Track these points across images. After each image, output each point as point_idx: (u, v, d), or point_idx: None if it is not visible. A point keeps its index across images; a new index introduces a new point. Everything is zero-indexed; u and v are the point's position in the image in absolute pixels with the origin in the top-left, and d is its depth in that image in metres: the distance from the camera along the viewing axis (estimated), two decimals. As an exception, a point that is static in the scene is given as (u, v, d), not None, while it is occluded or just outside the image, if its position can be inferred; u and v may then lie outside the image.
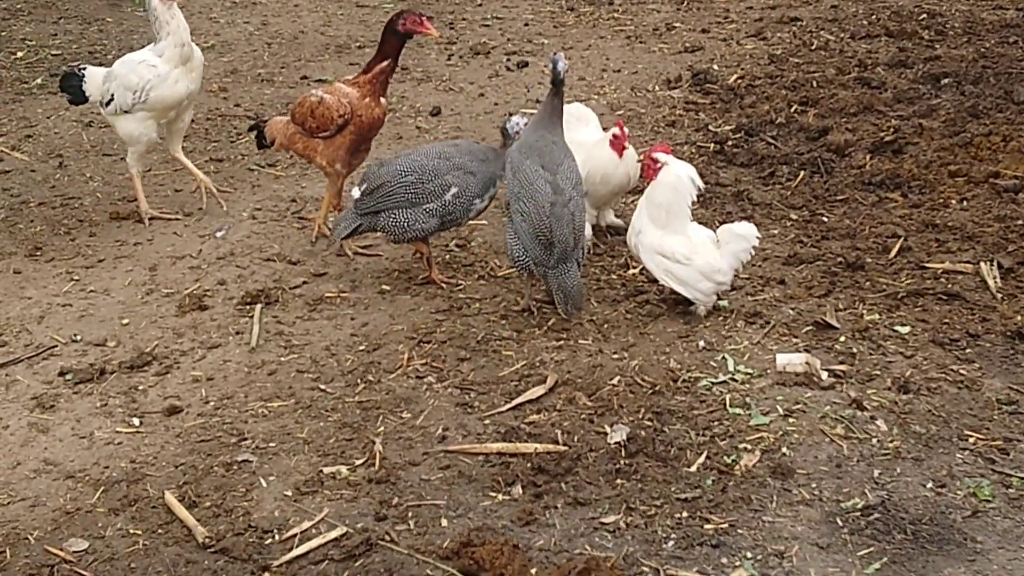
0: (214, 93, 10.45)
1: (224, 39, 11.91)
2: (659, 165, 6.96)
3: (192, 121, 8.77)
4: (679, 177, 6.94)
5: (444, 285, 7.45)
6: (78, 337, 7.08)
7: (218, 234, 8.00)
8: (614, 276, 7.51)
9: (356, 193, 7.31)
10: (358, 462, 5.94)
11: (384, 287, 7.43)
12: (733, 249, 6.91)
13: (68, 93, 8.41)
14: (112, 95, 8.02)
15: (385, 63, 7.65)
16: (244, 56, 11.38)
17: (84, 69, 8.32)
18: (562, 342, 6.86)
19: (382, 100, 7.68)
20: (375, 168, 7.30)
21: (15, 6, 13.10)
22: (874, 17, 11.91)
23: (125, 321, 7.23)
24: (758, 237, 6.95)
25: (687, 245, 6.93)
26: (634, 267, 7.54)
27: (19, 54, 11.65)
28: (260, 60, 11.27)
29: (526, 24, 12.09)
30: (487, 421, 6.22)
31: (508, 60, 11.09)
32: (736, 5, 12.48)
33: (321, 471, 5.87)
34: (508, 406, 6.32)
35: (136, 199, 8.43)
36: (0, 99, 10.59)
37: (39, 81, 10.97)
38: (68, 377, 6.68)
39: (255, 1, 13.07)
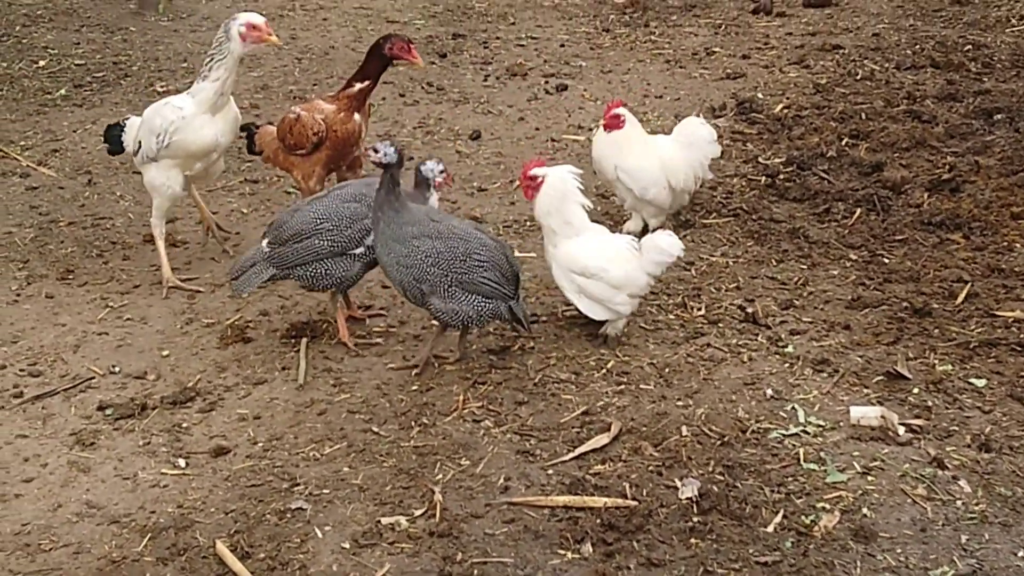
0: (245, 110, 10.14)
1: (253, 54, 11.59)
2: (539, 181, 6.89)
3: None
4: (560, 179, 6.89)
5: (352, 347, 7.05)
6: (117, 369, 6.80)
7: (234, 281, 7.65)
8: (671, 316, 7.24)
9: (264, 245, 6.90)
10: (417, 512, 5.66)
11: (433, 322, 7.11)
12: (654, 259, 6.84)
13: (108, 143, 8.08)
14: (140, 142, 7.53)
15: (365, 84, 7.60)
16: (274, 71, 11.10)
17: (127, 120, 7.95)
18: (623, 386, 6.60)
19: (355, 116, 7.57)
20: (286, 216, 6.87)
21: (35, 12, 12.83)
22: (918, 47, 11.65)
23: (165, 352, 6.95)
24: (683, 250, 6.92)
25: (601, 255, 6.85)
26: (694, 306, 7.24)
27: (41, 63, 11.38)
28: (291, 76, 11.00)
29: (562, 45, 11.82)
30: (550, 471, 5.94)
31: (547, 83, 10.79)
32: (775, 31, 12.22)
33: (379, 521, 5.59)
34: (571, 455, 6.05)
35: (159, 264, 7.80)
36: (23, 110, 10.28)
37: (63, 92, 10.69)
38: (108, 412, 6.41)
39: (283, 14, 12.79)
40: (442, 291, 6.50)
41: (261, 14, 7.25)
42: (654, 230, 7.73)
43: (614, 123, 7.95)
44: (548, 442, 6.15)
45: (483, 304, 6.56)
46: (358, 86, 7.56)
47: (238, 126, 7.66)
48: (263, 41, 7.19)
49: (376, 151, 6.40)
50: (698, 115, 8.37)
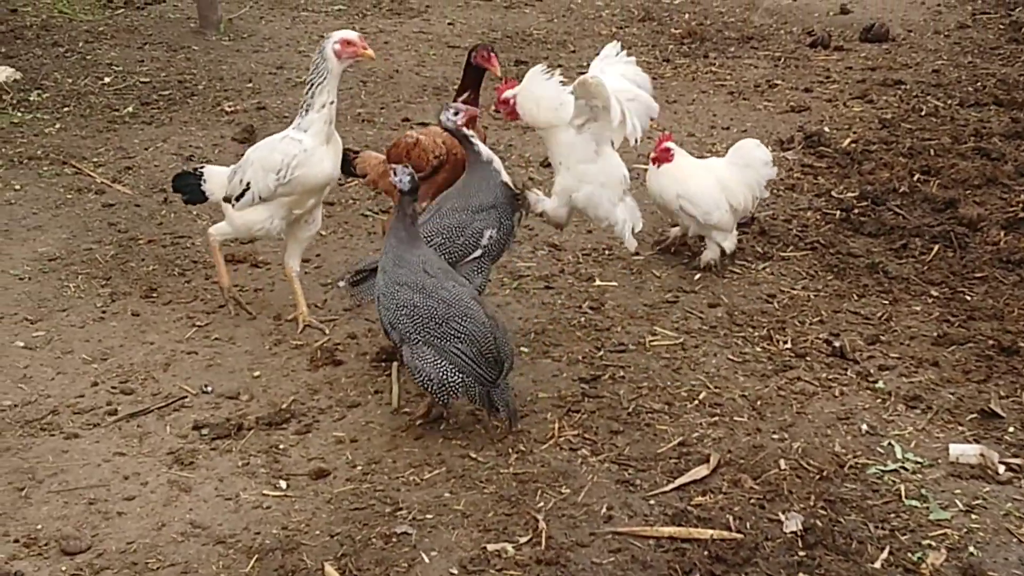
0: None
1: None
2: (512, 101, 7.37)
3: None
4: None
5: None
6: (209, 388, 6.82)
7: (340, 283, 7.69)
8: (758, 348, 7.25)
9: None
10: (523, 540, 5.67)
11: (523, 349, 7.13)
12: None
13: (183, 193, 7.71)
14: (248, 180, 7.20)
15: (465, 95, 7.65)
16: (340, 94, 10.97)
17: (202, 168, 7.62)
18: (717, 418, 6.61)
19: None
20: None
21: (97, 29, 12.88)
22: (979, 84, 11.66)
23: (256, 373, 6.97)
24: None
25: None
26: (779, 339, 7.24)
27: (106, 79, 11.42)
28: (358, 99, 11.02)
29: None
30: (652, 501, 5.96)
31: (612, 111, 10.78)
32: (835, 64, 12.24)
33: (485, 548, 5.61)
34: (672, 486, 6.06)
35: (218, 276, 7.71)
36: (92, 127, 10.31)
37: (130, 109, 10.73)
38: (204, 432, 6.43)
39: (344, 37, 12.79)
40: (411, 345, 6.20)
41: (321, 36, 7.23)
42: (732, 252, 7.91)
43: (665, 157, 8.13)
44: (647, 472, 6.16)
45: (451, 375, 6.14)
46: (460, 100, 7.56)
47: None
48: (359, 56, 6.96)
49: (394, 174, 6.31)
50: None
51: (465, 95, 7.69)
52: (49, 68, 11.71)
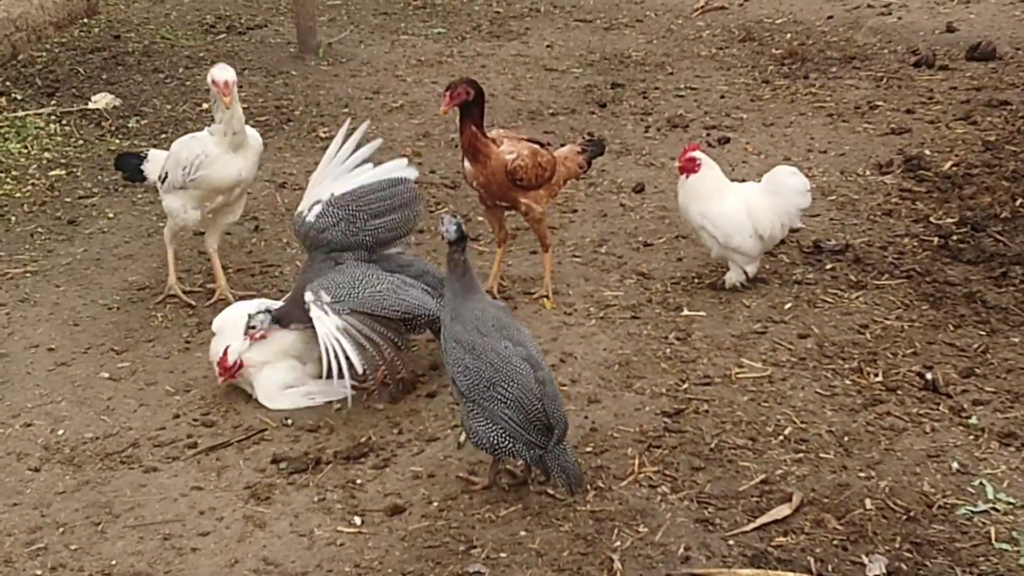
0: (407, 157, 10.12)
1: (412, 99, 11.65)
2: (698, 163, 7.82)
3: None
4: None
5: None
6: (289, 421, 6.80)
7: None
8: (848, 382, 7.08)
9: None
10: (597, 581, 5.53)
11: (602, 379, 7.02)
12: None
13: (124, 171, 8.60)
14: (167, 170, 7.91)
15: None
16: (435, 119, 11.09)
17: (148, 152, 8.52)
18: (802, 454, 6.45)
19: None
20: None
21: (197, 55, 12.98)
22: (1089, 104, 11.33)
23: (337, 406, 6.91)
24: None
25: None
26: (870, 371, 7.07)
27: (204, 106, 11.48)
28: (451, 124, 10.96)
29: (722, 96, 11.69)
30: (731, 541, 5.82)
31: (708, 135, 10.67)
32: (939, 84, 11.97)
33: (558, 589, 5.47)
34: (752, 526, 5.92)
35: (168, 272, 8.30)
36: (191, 154, 10.31)
37: (228, 136, 10.69)
38: (282, 466, 6.40)
39: (441, 61, 12.80)
40: (465, 403, 6.02)
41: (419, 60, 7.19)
42: (754, 278, 7.87)
43: (690, 167, 7.89)
44: (727, 511, 6.03)
45: (503, 440, 5.93)
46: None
47: (258, 158, 8.06)
48: (222, 97, 7.54)
49: (441, 223, 6.18)
50: (798, 170, 8.34)
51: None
52: (149, 94, 11.81)
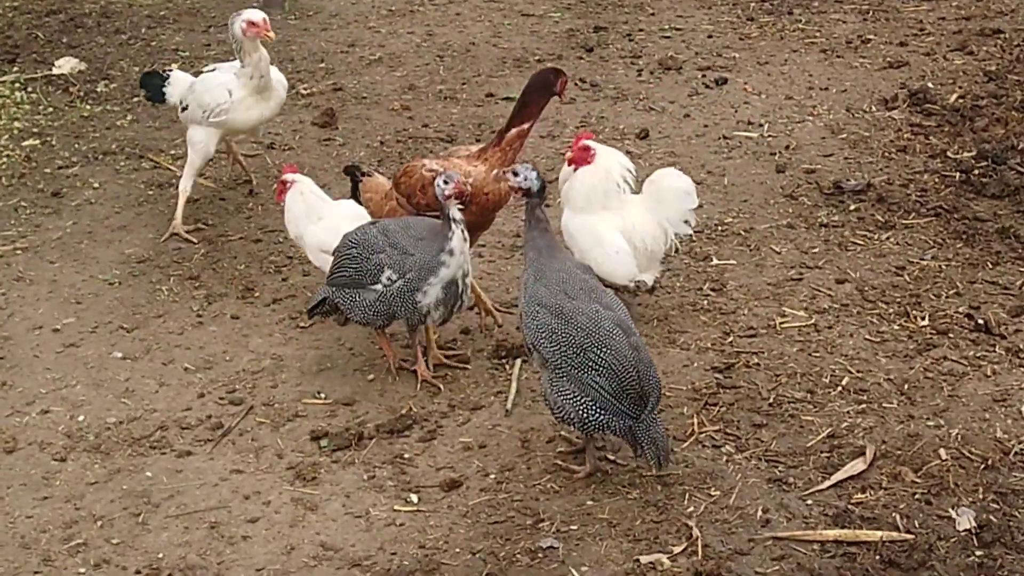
0: (397, 112, 9.80)
1: (390, 51, 11.24)
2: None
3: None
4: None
5: (431, 382, 6.57)
6: (322, 395, 6.42)
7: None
8: (896, 326, 6.84)
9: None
10: (677, 549, 5.34)
11: (646, 336, 6.71)
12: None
13: (146, 91, 8.64)
14: (187, 104, 8.07)
15: (526, 126, 6.60)
16: (418, 71, 10.70)
17: (170, 71, 8.55)
18: (864, 405, 6.23)
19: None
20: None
21: (158, 13, 12.47)
22: (1083, 26, 11.11)
23: (370, 377, 6.62)
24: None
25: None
26: (916, 315, 6.82)
27: (173, 66, 10.93)
28: (436, 75, 10.60)
29: (709, 36, 11.37)
30: (809, 501, 5.59)
31: (703, 76, 10.36)
32: (927, 15, 11.71)
33: (638, 560, 5.29)
34: (828, 483, 5.69)
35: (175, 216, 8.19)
36: (166, 116, 9.90)
37: (202, 97, 10.25)
38: (324, 443, 6.06)
39: (413, 9, 12.36)
40: (549, 373, 5.63)
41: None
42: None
43: (583, 158, 6.70)
44: (798, 469, 5.79)
45: (591, 412, 5.55)
46: (516, 130, 6.58)
47: (282, 99, 8.24)
48: (263, 37, 7.72)
49: (516, 174, 5.84)
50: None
51: (526, 125, 6.62)
52: (114, 56, 11.33)
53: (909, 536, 5.33)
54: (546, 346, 5.55)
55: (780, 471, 5.77)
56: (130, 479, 5.90)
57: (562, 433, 6.00)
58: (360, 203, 7.08)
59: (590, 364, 5.47)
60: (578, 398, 5.52)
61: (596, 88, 10.15)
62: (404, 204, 6.58)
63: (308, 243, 6.96)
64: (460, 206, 6.23)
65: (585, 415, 5.53)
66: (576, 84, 10.13)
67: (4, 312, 7.31)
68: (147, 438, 6.19)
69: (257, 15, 7.70)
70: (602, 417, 5.52)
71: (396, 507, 5.66)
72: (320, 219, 6.95)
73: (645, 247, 6.69)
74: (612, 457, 5.90)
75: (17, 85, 10.62)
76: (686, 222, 6.79)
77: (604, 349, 5.47)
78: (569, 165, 6.76)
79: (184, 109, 8.11)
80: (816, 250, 7.63)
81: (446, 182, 6.10)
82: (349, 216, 6.86)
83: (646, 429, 5.55)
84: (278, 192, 7.15)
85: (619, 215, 6.70)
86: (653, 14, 11.95)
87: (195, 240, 8.00)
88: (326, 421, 6.25)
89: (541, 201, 5.75)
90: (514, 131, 6.53)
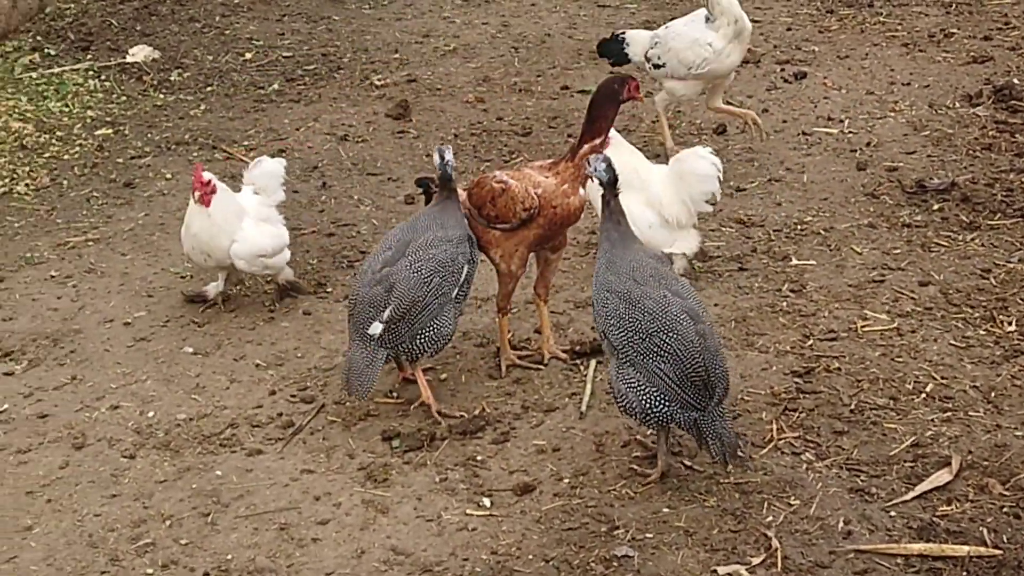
0: (471, 104, 9.71)
1: (465, 42, 11.15)
2: None
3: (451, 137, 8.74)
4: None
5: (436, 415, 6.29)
6: (395, 394, 6.33)
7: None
8: (982, 331, 6.66)
9: (377, 329, 6.15)
10: (755, 560, 5.21)
11: (723, 338, 6.58)
12: None
13: (608, 56, 9.17)
14: (664, 62, 8.56)
15: (599, 140, 6.33)
16: (493, 62, 10.59)
17: (623, 34, 9.01)
18: (949, 413, 6.06)
19: (581, 190, 6.38)
20: (383, 287, 6.11)
21: (232, 2, 12.44)
22: None
23: (443, 376, 6.49)
24: None
25: None
26: (1003, 319, 6.64)
27: (247, 55, 10.99)
28: (511, 67, 10.49)
29: (788, 29, 11.19)
30: (892, 513, 5.43)
31: (782, 70, 10.18)
32: (1011, 8, 11.48)
33: (715, 571, 5.13)
34: (912, 494, 5.53)
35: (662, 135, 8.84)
36: (239, 107, 9.88)
37: (276, 87, 10.30)
38: (395, 444, 5.96)
39: (488, 0, 12.25)
40: (619, 361, 5.57)
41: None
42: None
43: None
44: (881, 478, 5.63)
45: (655, 403, 5.45)
46: (589, 145, 6.31)
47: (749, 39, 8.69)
48: None
49: (588, 164, 5.78)
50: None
51: (599, 140, 6.34)
52: (188, 45, 11.31)
53: (997, 552, 5.17)
54: (614, 332, 5.49)
55: (862, 481, 5.62)
56: (199, 478, 5.82)
57: (637, 437, 5.87)
58: None
59: (655, 350, 5.39)
60: (643, 387, 5.44)
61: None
62: (475, 215, 6.43)
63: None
64: (526, 215, 6.27)
65: (648, 405, 5.44)
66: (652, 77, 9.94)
67: (76, 304, 7.25)
68: (217, 435, 6.11)
69: None
70: (665, 408, 5.43)
71: (468, 511, 5.56)
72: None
73: (674, 220, 7.05)
74: (689, 463, 5.75)
75: (91, 73, 10.63)
76: (708, 202, 7.11)
77: (670, 334, 5.38)
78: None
79: (658, 67, 8.61)
80: (898, 251, 7.46)
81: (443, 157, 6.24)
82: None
83: (711, 423, 5.43)
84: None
85: (643, 192, 7.02)
86: (728, 6, 11.70)
87: None
88: (398, 421, 6.16)
89: (614, 192, 5.65)
90: (587, 147, 6.31)
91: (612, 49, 9.04)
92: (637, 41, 8.87)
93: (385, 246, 6.20)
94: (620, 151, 6.86)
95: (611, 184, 5.67)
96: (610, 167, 5.69)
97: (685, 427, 5.49)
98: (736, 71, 9.07)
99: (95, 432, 6.17)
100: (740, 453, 5.63)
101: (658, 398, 5.42)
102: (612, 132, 6.60)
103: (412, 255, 6.07)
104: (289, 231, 7.48)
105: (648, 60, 8.69)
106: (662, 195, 7.05)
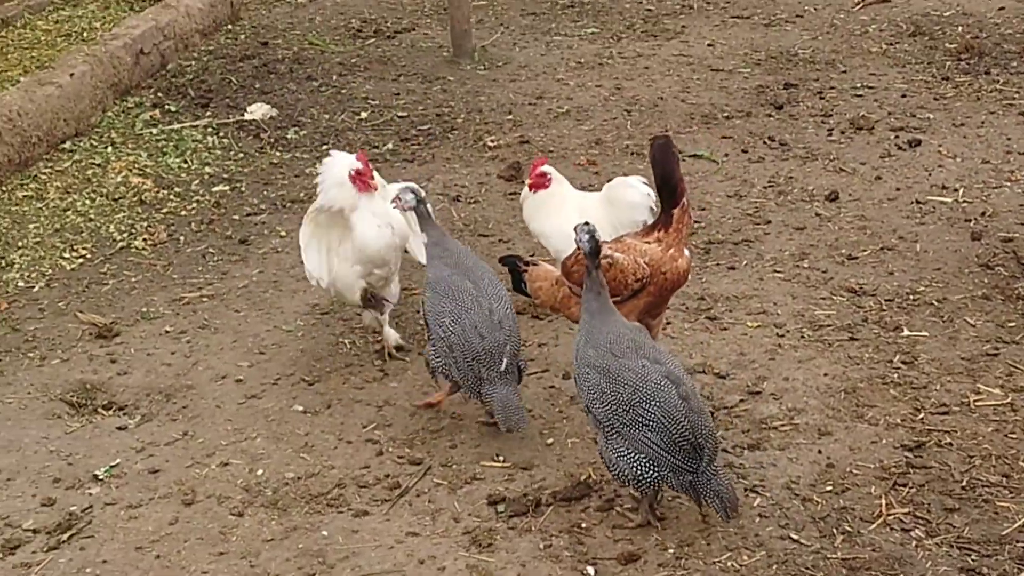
0: (583, 167, 9.74)
1: (578, 104, 11.21)
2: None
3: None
4: None
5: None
6: (501, 458, 6.34)
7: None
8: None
9: (504, 363, 6.32)
10: (862, 641, 5.05)
11: (830, 408, 6.53)
12: None
13: None
14: None
15: (684, 200, 6.29)
16: (605, 124, 10.64)
17: None
18: (1063, 493, 5.89)
19: (686, 251, 6.41)
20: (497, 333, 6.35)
21: (350, 60, 12.61)
22: None
23: (549, 440, 6.52)
24: None
25: None
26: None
27: (363, 115, 11.12)
28: (624, 130, 10.52)
29: (903, 95, 11.11)
30: (1003, 594, 5.27)
31: (896, 137, 10.12)
32: None
33: (820, 649, 5.00)
34: (1024, 575, 5.37)
35: None
36: (352, 166, 9.91)
37: (390, 146, 10.42)
38: (501, 509, 5.96)
39: (601, 62, 12.33)
40: (606, 434, 5.65)
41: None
42: None
43: (540, 182, 7.59)
44: (992, 558, 5.56)
45: (646, 470, 5.54)
46: (677, 210, 6.31)
47: None
48: None
49: (575, 232, 5.80)
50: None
51: (684, 199, 6.34)
52: (304, 104, 11.47)
53: (1109, 637, 5.03)
54: (597, 406, 5.58)
55: (973, 560, 5.54)
56: (306, 537, 5.86)
57: (630, 491, 5.92)
58: (525, 293, 6.96)
59: (640, 420, 5.47)
60: (632, 456, 5.52)
61: (785, 147, 9.98)
62: (576, 291, 6.45)
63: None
64: (638, 286, 6.37)
65: (640, 472, 5.53)
66: (765, 142, 9.97)
67: (189, 360, 7.36)
68: (324, 495, 6.15)
69: None
70: (656, 474, 5.52)
71: (572, 579, 5.52)
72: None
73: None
74: (795, 537, 5.70)
75: (209, 130, 10.81)
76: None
77: (652, 403, 5.46)
78: (530, 190, 7.62)
79: None
80: (1013, 324, 7.36)
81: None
82: None
83: (707, 482, 5.51)
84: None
85: (577, 214, 6.94)
86: (845, 71, 11.75)
87: None
88: (503, 485, 6.17)
89: (596, 262, 5.72)
90: (676, 211, 6.32)
91: None
92: None
93: (464, 294, 6.39)
94: (561, 185, 7.61)
95: (593, 254, 5.72)
96: (593, 237, 5.73)
97: (681, 490, 5.59)
98: (850, 139, 9.01)
99: (204, 489, 6.24)
100: (739, 506, 5.70)
101: (648, 465, 5.51)
102: (550, 169, 7.54)
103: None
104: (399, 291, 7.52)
105: None
106: (592, 216, 6.65)
